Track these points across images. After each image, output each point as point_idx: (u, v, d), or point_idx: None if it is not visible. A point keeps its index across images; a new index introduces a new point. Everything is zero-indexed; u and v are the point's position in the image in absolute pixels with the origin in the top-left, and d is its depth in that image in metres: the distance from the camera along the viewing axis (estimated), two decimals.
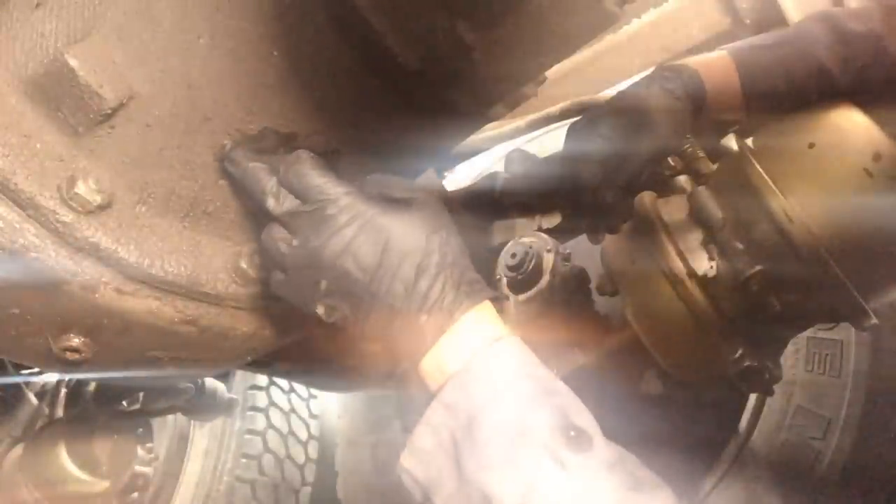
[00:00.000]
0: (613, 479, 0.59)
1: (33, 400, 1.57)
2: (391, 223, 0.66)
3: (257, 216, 0.76)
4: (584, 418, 0.63)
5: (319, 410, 2.22)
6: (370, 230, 0.65)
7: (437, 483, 0.62)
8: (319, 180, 0.69)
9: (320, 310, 0.69)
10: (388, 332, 0.67)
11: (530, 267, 1.29)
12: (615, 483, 0.58)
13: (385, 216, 0.66)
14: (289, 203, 0.70)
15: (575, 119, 1.06)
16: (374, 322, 0.67)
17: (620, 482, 0.58)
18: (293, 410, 2.15)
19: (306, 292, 0.70)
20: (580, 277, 1.34)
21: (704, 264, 0.98)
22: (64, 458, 1.39)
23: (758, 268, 0.95)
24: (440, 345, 0.65)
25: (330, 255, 0.66)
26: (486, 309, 0.68)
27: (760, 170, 0.95)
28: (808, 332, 1.36)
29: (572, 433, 0.60)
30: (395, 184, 0.73)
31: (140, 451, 1.54)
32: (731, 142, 1.02)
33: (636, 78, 1.03)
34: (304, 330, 0.97)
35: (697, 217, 1.01)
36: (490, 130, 1.40)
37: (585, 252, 1.30)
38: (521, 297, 1.30)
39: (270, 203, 0.70)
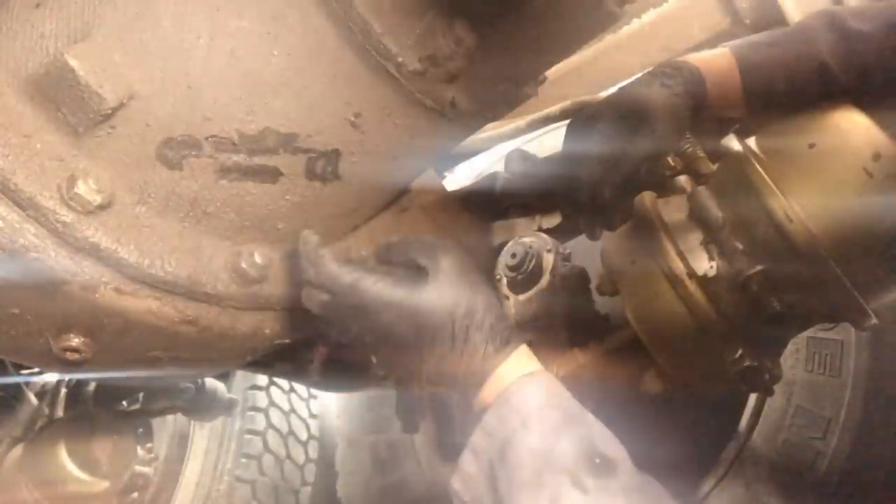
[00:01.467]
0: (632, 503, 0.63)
1: (33, 400, 1.57)
2: (419, 304, 0.74)
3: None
4: (611, 447, 0.68)
5: (319, 410, 2.22)
6: (402, 315, 0.74)
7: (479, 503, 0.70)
8: (349, 277, 0.77)
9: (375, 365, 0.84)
10: (437, 379, 0.78)
11: (530, 267, 1.29)
12: None
13: (413, 297, 0.75)
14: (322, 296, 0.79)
15: (574, 118, 1.06)
16: (423, 373, 0.77)
17: None
18: (293, 410, 2.15)
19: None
20: (580, 277, 1.34)
21: (704, 264, 0.98)
22: (64, 458, 1.39)
23: (758, 268, 0.95)
24: (486, 385, 0.74)
25: (371, 338, 0.77)
26: (521, 352, 0.76)
27: (760, 170, 0.95)
28: (808, 332, 1.36)
29: (597, 460, 0.65)
30: (417, 248, 0.81)
31: (140, 451, 1.54)
32: (731, 142, 1.02)
33: (636, 77, 1.02)
34: (304, 331, 0.98)
35: (697, 217, 1.01)
36: (490, 130, 1.40)
37: (585, 252, 1.30)
38: (521, 297, 1.30)
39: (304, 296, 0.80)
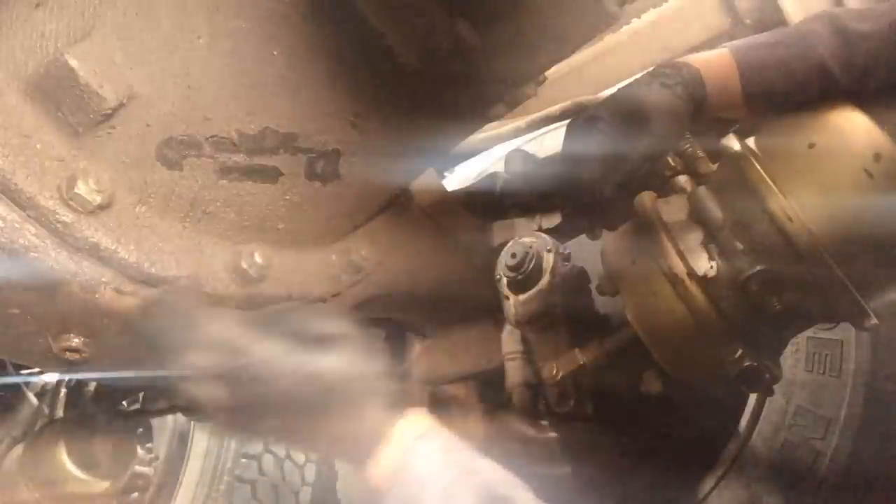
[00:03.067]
0: None
1: (33, 400, 1.57)
2: (320, 369, 0.75)
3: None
4: (507, 487, 0.72)
5: None
6: (303, 382, 0.74)
7: None
8: (243, 340, 0.74)
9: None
10: (332, 444, 0.79)
11: (530, 267, 1.28)
12: None
13: (310, 364, 0.74)
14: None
15: (574, 118, 1.06)
16: (321, 435, 0.78)
17: None
18: None
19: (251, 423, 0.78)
20: (580, 277, 1.34)
21: (704, 264, 0.98)
22: (64, 458, 1.39)
23: (758, 268, 0.95)
24: (381, 455, 0.75)
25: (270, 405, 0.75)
26: (411, 416, 0.78)
27: (760, 170, 0.95)
28: (808, 332, 1.36)
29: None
30: (309, 319, 0.79)
31: (140, 451, 1.54)
32: (731, 142, 1.02)
33: (636, 77, 1.02)
34: None
35: (697, 217, 1.01)
36: (490, 130, 1.40)
37: (585, 252, 1.30)
38: (522, 297, 1.30)
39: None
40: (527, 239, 1.32)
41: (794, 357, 1.41)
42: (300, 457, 2.11)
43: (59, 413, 1.61)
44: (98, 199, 0.72)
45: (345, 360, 0.76)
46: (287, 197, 0.86)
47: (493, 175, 1.39)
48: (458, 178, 1.64)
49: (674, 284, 0.98)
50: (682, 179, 1.05)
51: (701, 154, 1.01)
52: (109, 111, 0.71)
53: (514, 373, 1.32)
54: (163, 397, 1.61)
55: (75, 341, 0.78)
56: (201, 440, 2.00)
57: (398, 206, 1.14)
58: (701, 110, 0.98)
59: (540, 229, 1.35)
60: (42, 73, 0.70)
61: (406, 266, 1.17)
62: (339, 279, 0.99)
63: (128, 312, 0.77)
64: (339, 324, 0.79)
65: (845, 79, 0.94)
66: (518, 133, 1.38)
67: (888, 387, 1.32)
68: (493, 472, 0.74)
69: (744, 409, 1.47)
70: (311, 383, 0.74)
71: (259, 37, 0.75)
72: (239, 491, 1.97)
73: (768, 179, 0.94)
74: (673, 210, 1.03)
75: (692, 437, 1.52)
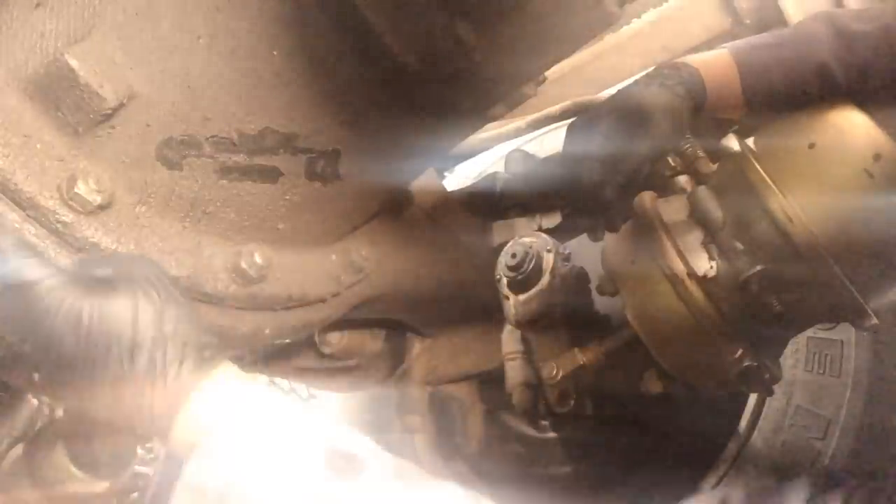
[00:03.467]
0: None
1: (33, 400, 1.56)
2: (91, 307, 0.59)
3: None
4: (350, 443, 0.61)
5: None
6: (69, 318, 0.59)
7: None
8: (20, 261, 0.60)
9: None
10: (115, 408, 0.63)
11: (530, 267, 1.29)
12: None
13: (85, 300, 0.59)
14: None
15: (575, 118, 1.06)
16: (100, 400, 0.62)
17: None
18: None
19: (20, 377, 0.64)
20: (580, 277, 1.34)
21: (704, 264, 0.98)
22: (64, 458, 1.39)
23: (758, 268, 0.95)
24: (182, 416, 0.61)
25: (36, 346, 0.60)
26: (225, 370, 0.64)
27: (760, 170, 0.95)
28: (808, 332, 1.36)
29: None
30: (102, 263, 0.66)
31: (140, 451, 1.54)
32: (731, 142, 1.02)
33: (636, 78, 1.03)
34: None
35: (697, 217, 1.01)
36: (490, 130, 1.40)
37: (585, 252, 1.30)
38: (521, 297, 1.30)
39: None
40: (527, 239, 1.32)
41: (794, 357, 1.41)
42: None
43: (59, 413, 1.61)
44: (98, 199, 0.72)
45: (117, 300, 0.60)
46: (287, 197, 0.86)
47: (493, 175, 1.39)
48: (458, 178, 1.64)
49: (674, 284, 0.98)
50: (682, 179, 1.05)
51: (701, 154, 1.01)
52: (109, 111, 0.71)
53: (514, 373, 1.32)
54: None
55: None
56: None
57: (398, 206, 1.14)
58: (700, 111, 0.99)
59: (540, 229, 1.35)
60: (42, 73, 0.70)
61: (406, 266, 1.17)
62: (339, 279, 0.99)
63: None
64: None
65: (845, 79, 0.94)
66: (518, 133, 1.39)
67: (888, 387, 1.32)
68: (333, 429, 0.63)
69: (744, 409, 1.47)
70: (73, 327, 0.58)
71: (259, 37, 0.75)
72: None
73: (768, 179, 0.94)
74: (673, 210, 1.04)
75: (692, 437, 1.52)
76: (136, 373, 0.60)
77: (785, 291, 0.94)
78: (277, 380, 2.14)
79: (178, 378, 0.61)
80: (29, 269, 0.60)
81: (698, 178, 1.03)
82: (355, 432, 0.63)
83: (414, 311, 1.37)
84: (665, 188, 1.06)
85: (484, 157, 1.59)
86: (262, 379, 2.09)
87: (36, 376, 0.61)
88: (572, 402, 1.26)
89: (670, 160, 1.03)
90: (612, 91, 1.09)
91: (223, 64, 0.75)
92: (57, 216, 0.70)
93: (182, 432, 0.61)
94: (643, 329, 1.04)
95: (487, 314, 1.41)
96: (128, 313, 0.60)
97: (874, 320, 0.93)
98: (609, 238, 1.08)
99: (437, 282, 1.26)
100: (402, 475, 0.61)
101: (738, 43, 1.02)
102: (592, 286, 1.27)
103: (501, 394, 1.36)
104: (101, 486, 1.17)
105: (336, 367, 1.41)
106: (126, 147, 0.75)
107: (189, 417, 0.61)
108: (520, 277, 1.29)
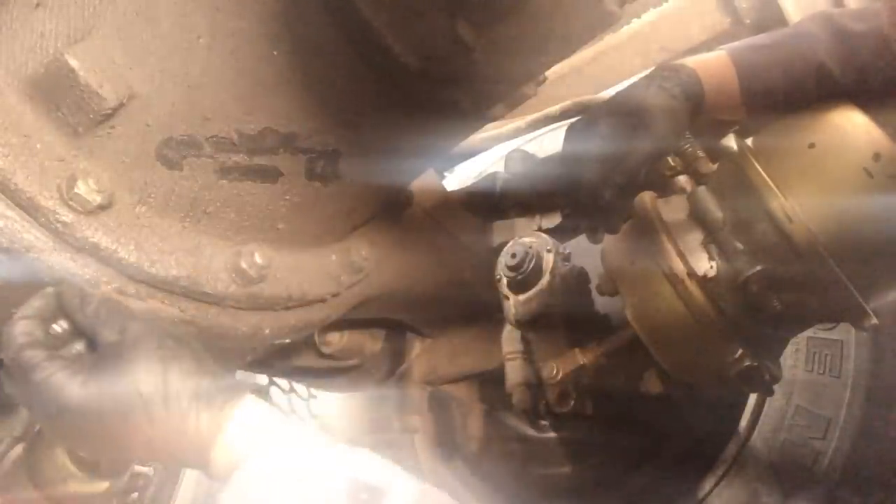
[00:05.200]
0: None
1: None
2: (107, 384, 0.64)
3: None
4: (376, 475, 0.64)
5: (319, 410, 2.22)
6: (82, 406, 0.63)
7: None
8: (30, 352, 0.64)
9: None
10: (149, 457, 0.69)
11: (530, 267, 1.29)
12: None
13: (102, 376, 0.64)
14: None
15: (574, 119, 1.06)
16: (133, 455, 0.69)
17: None
18: (293, 411, 2.15)
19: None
20: (580, 277, 1.34)
21: (704, 264, 0.98)
22: (64, 458, 1.39)
23: (758, 268, 0.95)
24: (215, 459, 0.65)
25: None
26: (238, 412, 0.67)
27: (760, 170, 0.95)
28: (808, 332, 1.36)
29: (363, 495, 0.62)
30: (106, 323, 0.69)
31: None
32: (731, 142, 1.02)
33: (636, 78, 1.03)
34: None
35: (697, 217, 1.01)
36: (490, 130, 1.40)
37: (585, 252, 1.30)
38: (521, 297, 1.30)
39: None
40: (527, 239, 1.32)
41: (794, 357, 1.41)
42: None
43: None
44: (98, 199, 0.72)
45: (128, 369, 0.64)
46: (287, 197, 0.86)
47: (493, 175, 1.39)
48: (458, 178, 1.64)
49: (674, 284, 0.98)
50: (682, 179, 1.05)
51: (701, 154, 1.01)
52: (109, 111, 0.71)
53: (514, 373, 1.32)
54: None
55: None
56: None
57: (398, 206, 1.14)
58: (699, 112, 0.98)
59: (540, 229, 1.35)
60: (42, 73, 0.70)
61: (406, 266, 1.17)
62: (339, 279, 0.99)
63: None
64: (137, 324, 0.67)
65: (844, 78, 0.94)
66: (518, 133, 1.39)
67: (888, 387, 1.32)
68: (359, 461, 0.65)
69: (744, 409, 1.47)
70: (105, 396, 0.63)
71: (259, 37, 0.75)
72: None
73: (768, 179, 0.94)
74: (673, 210, 1.04)
75: (692, 437, 1.52)
76: (158, 431, 0.64)
77: (785, 291, 0.94)
78: (277, 380, 2.14)
79: (199, 426, 0.65)
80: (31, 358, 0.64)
81: (698, 178, 1.03)
82: (378, 461, 0.65)
83: (414, 311, 1.37)
84: (665, 188, 1.06)
85: (484, 157, 1.59)
86: (264, 380, 2.09)
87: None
88: (572, 402, 1.26)
89: (670, 160, 1.03)
90: (611, 91, 1.09)
91: (223, 64, 0.75)
92: (57, 216, 0.70)
93: (218, 462, 0.65)
94: (643, 329, 1.04)
95: (487, 314, 1.41)
96: (133, 386, 0.64)
97: (874, 320, 0.93)
98: (609, 238, 1.08)
99: (436, 282, 1.26)
100: None
101: (736, 44, 1.02)
102: (592, 286, 1.27)
103: (501, 394, 1.36)
104: (101, 486, 1.17)
105: (336, 367, 1.41)
106: (126, 147, 0.75)
107: (223, 449, 0.65)
108: (520, 277, 1.29)
